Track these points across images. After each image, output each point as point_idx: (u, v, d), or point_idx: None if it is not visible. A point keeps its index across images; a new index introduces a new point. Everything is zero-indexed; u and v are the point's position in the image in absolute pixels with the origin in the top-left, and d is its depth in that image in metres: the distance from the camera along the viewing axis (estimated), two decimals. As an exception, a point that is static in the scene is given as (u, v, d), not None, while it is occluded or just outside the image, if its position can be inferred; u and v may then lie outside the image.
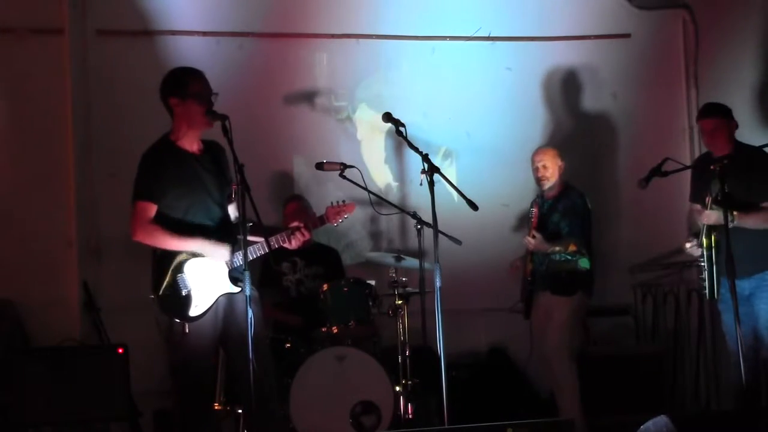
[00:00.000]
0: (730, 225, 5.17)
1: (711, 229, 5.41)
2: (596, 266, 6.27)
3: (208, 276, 4.83)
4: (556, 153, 6.29)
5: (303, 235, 4.97)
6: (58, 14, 6.47)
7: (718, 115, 5.62)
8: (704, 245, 5.44)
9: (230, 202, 4.97)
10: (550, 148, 6.37)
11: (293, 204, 6.49)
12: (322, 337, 5.86)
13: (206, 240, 4.82)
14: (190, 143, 4.91)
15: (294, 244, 4.98)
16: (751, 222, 5.37)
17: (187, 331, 4.76)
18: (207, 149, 4.96)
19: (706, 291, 5.46)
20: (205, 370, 4.92)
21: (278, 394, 5.13)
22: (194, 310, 4.79)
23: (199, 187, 4.86)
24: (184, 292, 4.78)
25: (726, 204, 5.14)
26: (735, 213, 5.28)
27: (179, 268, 4.81)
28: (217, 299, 4.83)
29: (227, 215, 4.96)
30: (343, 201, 5.22)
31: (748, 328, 5.36)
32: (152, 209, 4.82)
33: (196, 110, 4.81)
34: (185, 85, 4.84)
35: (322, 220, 5.23)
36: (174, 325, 4.79)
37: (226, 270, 4.85)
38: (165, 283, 4.79)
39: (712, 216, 5.36)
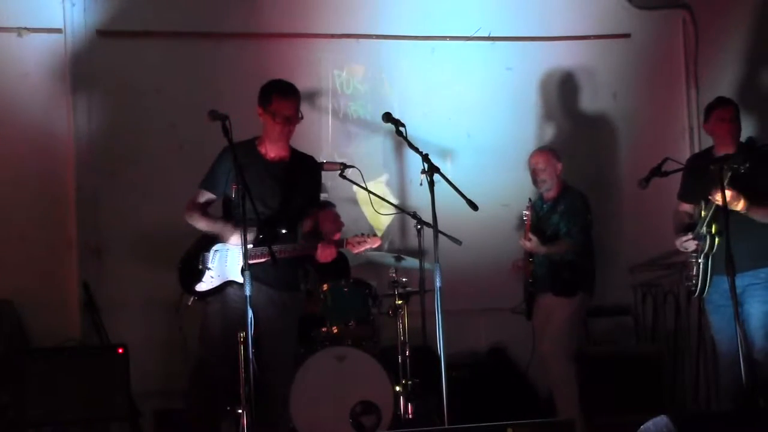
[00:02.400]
0: (742, 212, 5.12)
1: (716, 213, 5.21)
2: (597, 266, 6.27)
3: (226, 262, 5.02)
4: (552, 154, 6.28)
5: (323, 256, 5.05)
6: (57, 14, 6.48)
7: (734, 106, 5.58)
8: (704, 232, 5.29)
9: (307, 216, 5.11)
10: (546, 150, 6.35)
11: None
12: (322, 337, 5.86)
13: (227, 224, 5.03)
14: (267, 149, 5.11)
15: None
16: (760, 214, 5.29)
17: (189, 303, 5.07)
18: (292, 160, 5.12)
19: (698, 287, 5.36)
20: (211, 358, 4.97)
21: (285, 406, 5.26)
22: (199, 286, 5.04)
23: (252, 189, 4.83)
24: (200, 267, 5.04)
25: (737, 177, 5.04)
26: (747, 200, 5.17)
27: (208, 248, 5.07)
28: (222, 284, 5.01)
29: (273, 222, 5.00)
30: (374, 234, 5.19)
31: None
32: (203, 195, 5.15)
33: (270, 123, 5.06)
34: (263, 95, 5.13)
35: (340, 244, 5.25)
36: (183, 296, 5.10)
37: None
38: (191, 255, 5.10)
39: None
